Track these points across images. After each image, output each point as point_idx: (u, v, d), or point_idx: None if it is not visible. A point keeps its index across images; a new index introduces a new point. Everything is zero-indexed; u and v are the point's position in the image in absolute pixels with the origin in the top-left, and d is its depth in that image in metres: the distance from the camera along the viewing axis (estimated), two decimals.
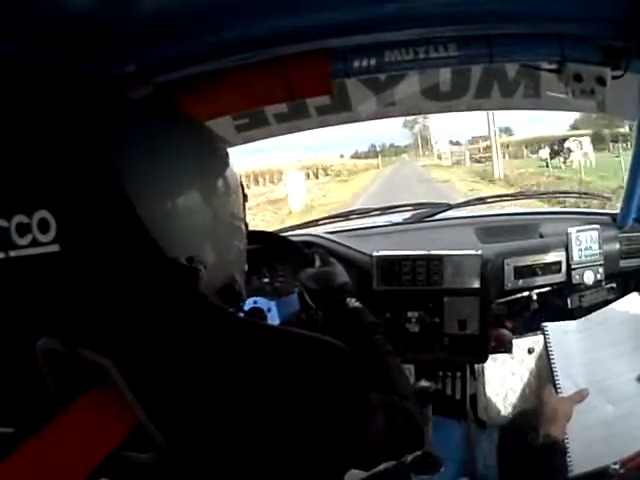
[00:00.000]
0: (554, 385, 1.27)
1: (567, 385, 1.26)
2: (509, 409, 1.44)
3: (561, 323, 1.37)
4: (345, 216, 1.76)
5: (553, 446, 1.11)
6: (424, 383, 1.37)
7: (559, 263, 1.44)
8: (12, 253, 0.50)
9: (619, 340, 1.27)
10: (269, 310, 1.17)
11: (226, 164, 0.66)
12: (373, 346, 0.85)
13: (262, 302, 1.18)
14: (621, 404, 1.19)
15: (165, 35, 0.82)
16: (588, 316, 1.36)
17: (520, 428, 1.22)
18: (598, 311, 1.37)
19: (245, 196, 0.71)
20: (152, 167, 0.57)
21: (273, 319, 1.16)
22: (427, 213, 1.70)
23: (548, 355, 1.32)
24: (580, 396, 1.22)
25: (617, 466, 0.83)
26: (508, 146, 25.78)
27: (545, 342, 1.34)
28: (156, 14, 0.74)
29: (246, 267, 0.72)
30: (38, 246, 0.50)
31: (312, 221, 1.79)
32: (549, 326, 1.35)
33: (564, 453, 1.14)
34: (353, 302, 0.92)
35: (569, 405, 1.19)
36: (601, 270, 1.45)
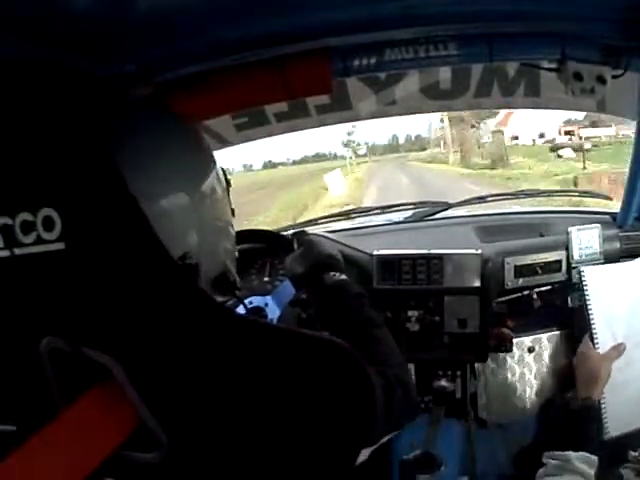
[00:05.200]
0: (591, 338, 1.15)
1: (606, 338, 1.15)
2: (509, 408, 1.44)
3: (600, 267, 1.28)
4: (345, 215, 1.77)
5: (590, 409, 1.01)
6: (444, 383, 1.37)
7: (559, 262, 1.44)
8: (17, 251, 0.50)
9: None
10: (266, 305, 1.18)
11: (210, 157, 0.67)
12: (362, 320, 0.83)
13: (257, 300, 1.19)
14: None
15: (165, 35, 0.82)
16: (631, 261, 1.29)
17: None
18: None
19: (228, 182, 0.72)
20: (144, 163, 0.57)
21: (273, 312, 1.17)
22: (427, 212, 1.71)
23: (585, 304, 1.22)
24: (617, 352, 1.11)
25: (637, 453, 0.80)
26: None
27: (582, 287, 1.24)
28: (156, 14, 0.74)
29: (237, 254, 0.72)
30: (43, 244, 0.50)
31: (312, 220, 1.79)
32: (586, 270, 1.25)
33: (600, 416, 1.05)
34: (332, 276, 0.89)
35: (608, 363, 1.09)
36: None
